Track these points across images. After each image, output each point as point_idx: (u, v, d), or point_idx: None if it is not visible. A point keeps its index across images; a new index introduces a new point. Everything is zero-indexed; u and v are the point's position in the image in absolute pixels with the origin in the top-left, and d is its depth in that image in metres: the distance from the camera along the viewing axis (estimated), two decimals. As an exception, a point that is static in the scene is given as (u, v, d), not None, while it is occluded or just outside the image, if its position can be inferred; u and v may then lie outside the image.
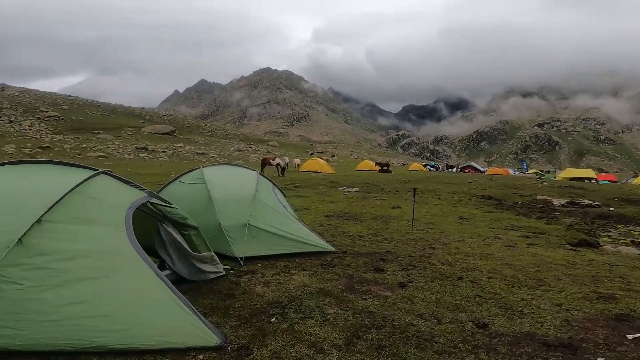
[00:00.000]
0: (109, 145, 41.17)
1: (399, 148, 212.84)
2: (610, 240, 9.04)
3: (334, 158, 64.36)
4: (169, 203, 4.62)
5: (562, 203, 15.02)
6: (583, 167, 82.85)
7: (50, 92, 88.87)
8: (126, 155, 36.39)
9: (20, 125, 48.41)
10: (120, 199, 4.04)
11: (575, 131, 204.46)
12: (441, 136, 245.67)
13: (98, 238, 3.57)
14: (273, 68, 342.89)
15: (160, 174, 20.77)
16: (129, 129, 59.83)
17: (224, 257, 5.44)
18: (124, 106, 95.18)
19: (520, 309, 4.33)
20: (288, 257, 5.90)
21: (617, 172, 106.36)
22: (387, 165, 39.71)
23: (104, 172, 4.23)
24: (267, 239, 5.94)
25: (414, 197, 10.33)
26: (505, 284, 5.15)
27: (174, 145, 48.12)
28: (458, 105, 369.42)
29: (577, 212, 12.89)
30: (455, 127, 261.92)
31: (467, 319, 4.04)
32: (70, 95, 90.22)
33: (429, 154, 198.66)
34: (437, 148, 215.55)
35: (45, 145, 34.30)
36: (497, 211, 12.97)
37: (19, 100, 62.44)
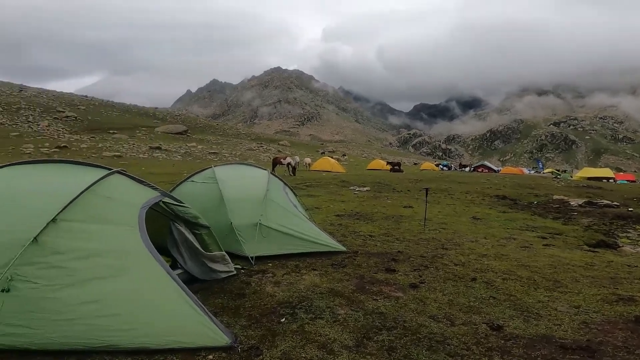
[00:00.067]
0: (124, 145, 41.89)
1: (410, 147, 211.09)
2: (629, 241, 8.79)
3: (345, 157, 64.24)
4: (181, 202, 4.64)
5: (580, 203, 14.66)
6: (601, 167, 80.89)
7: (67, 93, 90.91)
8: (140, 155, 36.97)
9: (38, 125, 49.63)
10: (133, 198, 4.07)
11: (593, 130, 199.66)
12: (453, 135, 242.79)
13: (111, 237, 3.61)
14: (283, 68, 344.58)
15: (173, 173, 21.01)
16: (143, 128, 60.80)
17: (235, 257, 5.46)
18: (138, 106, 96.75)
19: (536, 311, 4.25)
20: (299, 256, 5.89)
21: (635, 171, 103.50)
22: (399, 164, 39.40)
23: (118, 172, 4.27)
24: (277, 238, 5.93)
25: (426, 196, 10.19)
26: (521, 286, 5.05)
27: (186, 145, 48.70)
28: (471, 104, 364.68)
29: (595, 213, 12.57)
30: (467, 126, 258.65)
31: (481, 320, 3.97)
32: (86, 96, 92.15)
33: (441, 153, 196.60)
34: (449, 147, 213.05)
35: (62, 145, 35.07)
36: (512, 211, 12.74)
37: (37, 101, 64.04)
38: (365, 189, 17.46)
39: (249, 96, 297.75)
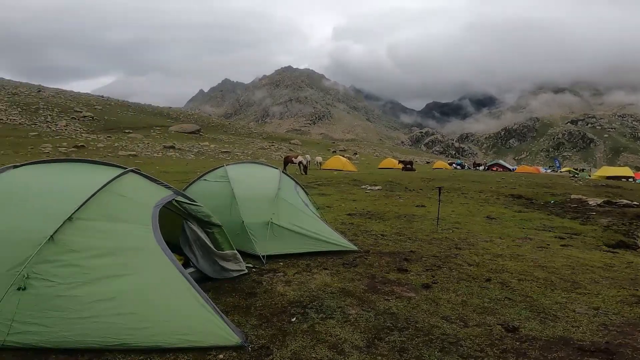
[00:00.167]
0: (139, 144, 42.58)
1: (422, 146, 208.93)
2: (651, 242, 8.49)
3: (356, 156, 63.99)
4: (194, 201, 4.68)
5: (598, 203, 14.27)
6: (620, 165, 78.71)
7: (84, 93, 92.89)
8: (155, 154, 37.53)
9: (56, 125, 50.80)
10: (147, 197, 4.11)
11: (612, 128, 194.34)
12: (467, 134, 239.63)
13: (125, 235, 3.64)
14: (294, 67, 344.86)
15: (186, 172, 21.26)
16: (157, 128, 61.70)
17: (246, 255, 5.48)
18: (153, 106, 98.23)
19: (553, 312, 4.16)
20: (310, 255, 5.88)
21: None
22: (411, 163, 39.03)
23: (132, 171, 4.32)
24: (289, 237, 5.93)
25: (439, 195, 10.06)
26: (538, 287, 4.94)
27: (199, 144, 49.23)
28: (484, 102, 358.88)
29: (614, 212, 12.22)
30: (481, 124, 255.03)
31: (496, 322, 3.90)
32: (102, 96, 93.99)
33: (454, 152, 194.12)
34: (462, 146, 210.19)
35: (80, 144, 35.84)
36: (528, 211, 12.48)
37: (55, 101, 65.55)
38: (377, 187, 17.35)
39: (260, 95, 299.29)
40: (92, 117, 60.41)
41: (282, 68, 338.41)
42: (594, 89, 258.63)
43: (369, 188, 17.16)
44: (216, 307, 3.42)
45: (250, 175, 6.94)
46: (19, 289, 3.07)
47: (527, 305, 4.33)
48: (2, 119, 47.40)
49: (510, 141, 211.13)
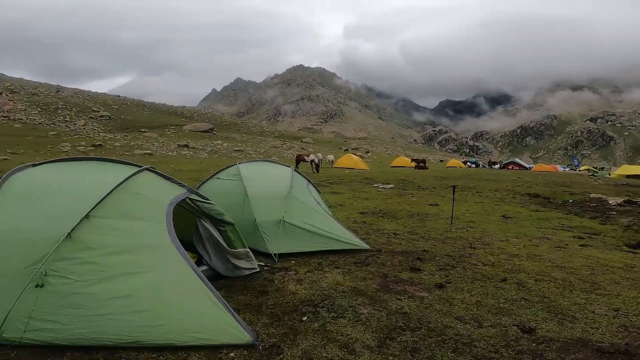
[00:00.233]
0: (154, 143, 43.28)
1: (435, 144, 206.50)
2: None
3: (369, 154, 63.71)
4: (207, 199, 4.70)
5: (619, 202, 13.85)
6: (641, 164, 76.22)
7: (101, 93, 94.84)
8: (169, 153, 38.09)
9: (75, 124, 52.03)
10: (161, 195, 4.14)
11: (632, 126, 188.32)
12: (481, 132, 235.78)
13: (140, 233, 3.68)
14: (306, 65, 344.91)
15: (199, 170, 21.50)
16: (172, 127, 62.59)
17: (258, 253, 5.50)
18: (167, 105, 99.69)
19: (572, 313, 4.07)
20: (321, 254, 5.86)
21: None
22: (424, 161, 38.66)
23: (147, 169, 4.37)
24: (301, 235, 5.93)
25: (453, 194, 9.91)
26: (556, 287, 4.83)
27: (212, 143, 49.74)
28: (499, 100, 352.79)
29: (635, 212, 11.85)
30: (496, 122, 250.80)
31: (511, 322, 3.82)
32: (119, 96, 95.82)
33: (468, 150, 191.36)
34: (476, 144, 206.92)
35: (97, 143, 36.62)
36: (546, 210, 12.20)
37: (74, 101, 67.10)
38: (389, 186, 17.23)
39: (272, 94, 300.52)
40: (109, 117, 61.65)
41: (293, 67, 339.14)
42: (613, 86, 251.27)
43: (381, 186, 17.05)
44: (228, 305, 3.43)
45: (262, 173, 6.96)
46: (36, 286, 3.11)
47: (545, 306, 4.23)
48: (22, 119, 48.79)
49: (527, 139, 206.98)
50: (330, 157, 36.41)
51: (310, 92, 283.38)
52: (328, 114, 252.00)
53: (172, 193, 4.26)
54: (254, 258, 5.06)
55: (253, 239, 5.62)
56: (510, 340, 3.48)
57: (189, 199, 4.46)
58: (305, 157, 26.52)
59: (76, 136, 42.53)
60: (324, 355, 3.16)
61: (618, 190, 18.55)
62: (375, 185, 17.54)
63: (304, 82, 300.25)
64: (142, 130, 54.92)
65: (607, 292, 4.69)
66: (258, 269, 5.05)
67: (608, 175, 37.39)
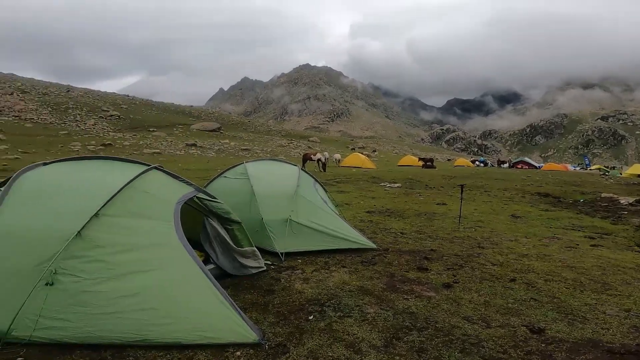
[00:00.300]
0: (162, 142, 43.65)
1: (443, 143, 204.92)
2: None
3: (375, 153, 63.49)
4: (214, 198, 4.71)
5: (630, 201, 13.60)
6: (654, 163, 74.82)
7: (111, 93, 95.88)
8: (177, 152, 38.38)
9: (85, 124, 52.69)
10: (169, 194, 4.16)
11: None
12: (489, 130, 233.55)
13: (149, 232, 3.69)
14: (312, 64, 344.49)
15: (207, 169, 21.63)
16: (180, 126, 63.07)
17: (264, 252, 5.51)
18: (175, 105, 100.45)
19: (582, 314, 4.02)
20: (328, 253, 5.85)
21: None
22: (431, 160, 38.40)
23: (156, 168, 4.39)
24: (307, 234, 5.92)
25: (462, 193, 9.82)
26: (566, 288, 4.77)
27: (220, 142, 50.02)
28: (508, 99, 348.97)
29: (648, 212, 11.60)
30: (505, 121, 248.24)
31: (520, 323, 3.78)
32: (128, 95, 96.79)
33: (476, 149, 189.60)
34: (485, 143, 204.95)
35: (107, 142, 37.05)
36: (556, 209, 12.03)
37: (83, 101, 67.95)
38: (396, 185, 17.15)
39: (278, 93, 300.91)
40: (119, 116, 62.32)
41: (300, 66, 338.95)
42: (624, 85, 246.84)
43: (388, 185, 16.98)
44: (235, 304, 3.43)
45: (269, 172, 6.96)
46: (47, 284, 3.13)
47: (554, 307, 4.18)
48: (33, 119, 49.54)
49: (536, 138, 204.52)
50: (337, 156, 36.35)
51: (317, 91, 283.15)
52: (335, 113, 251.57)
53: (180, 192, 4.28)
54: (260, 257, 5.07)
55: (260, 238, 5.63)
56: (519, 340, 3.44)
57: (197, 197, 4.48)
58: (312, 155, 26.51)
59: (86, 135, 43.06)
60: (330, 354, 3.15)
61: (630, 189, 18.24)
62: (382, 184, 17.48)
63: (310, 81, 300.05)
64: (151, 129, 55.42)
65: (619, 293, 4.62)
66: (265, 268, 5.06)
67: (619, 175, 36.80)
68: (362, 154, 41.93)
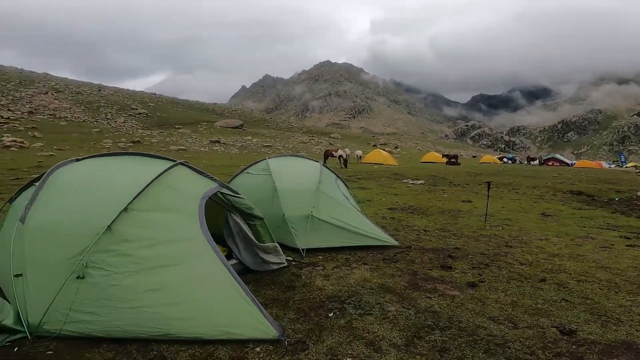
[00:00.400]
0: (188, 139, 44.70)
1: (468, 140, 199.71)
2: None
3: (397, 150, 62.66)
4: (237, 193, 4.75)
5: (671, 200, 12.82)
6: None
7: (139, 91, 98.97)
8: (202, 148, 39.20)
9: (115, 122, 54.63)
10: (194, 189, 4.21)
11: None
12: (517, 126, 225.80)
13: (174, 226, 3.74)
14: (333, 61, 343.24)
15: (230, 165, 21.98)
16: (204, 123, 64.42)
17: (285, 248, 5.53)
18: (199, 102, 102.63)
19: (616, 315, 3.85)
20: (349, 250, 5.81)
21: None
22: (456, 157, 37.49)
23: (182, 163, 4.46)
24: (329, 231, 5.90)
25: (488, 190, 9.52)
26: (600, 289, 4.57)
27: (242, 138, 50.74)
28: (537, 94, 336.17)
29: (691, 212, 10.90)
30: (534, 117, 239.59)
31: (550, 324, 3.64)
32: (155, 94, 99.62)
33: (503, 146, 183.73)
34: (513, 139, 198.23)
35: (136, 139, 38.29)
36: (589, 208, 11.49)
37: (114, 99, 70.42)
38: (419, 182, 16.86)
39: (299, 90, 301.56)
40: (146, 114, 64.25)
41: (320, 63, 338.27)
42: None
43: (410, 182, 16.72)
44: (256, 300, 3.42)
45: (291, 168, 6.97)
46: (78, 277, 3.21)
47: (587, 308, 4.01)
48: (67, 117, 51.75)
49: (569, 134, 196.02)
50: (358, 152, 36.13)
51: (338, 87, 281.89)
52: (356, 110, 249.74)
53: (205, 187, 4.33)
54: (282, 253, 5.09)
55: (281, 234, 5.65)
56: (548, 342, 3.32)
57: (220, 192, 4.53)
58: (333, 152, 26.47)
59: (117, 133, 44.63)
60: (350, 352, 3.12)
61: (671, 187, 17.19)
62: (405, 180, 17.23)
63: (331, 77, 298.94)
64: (177, 126, 56.87)
65: (657, 295, 4.37)
66: (286, 264, 5.08)
67: (659, 172, 34.73)
68: (384, 150, 41.51)
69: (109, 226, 3.38)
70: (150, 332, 3.12)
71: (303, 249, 5.56)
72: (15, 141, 27.77)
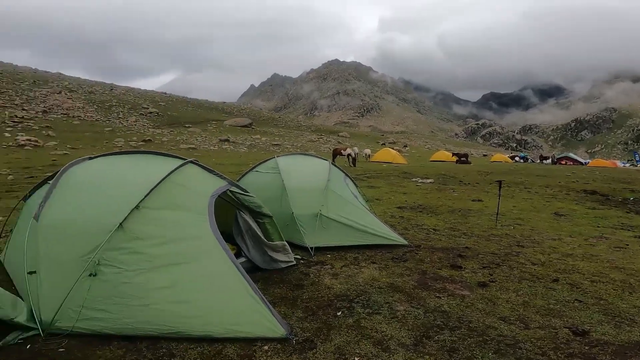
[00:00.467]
0: (197, 138, 45.06)
1: (478, 138, 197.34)
2: None
3: (407, 148, 62.25)
4: (247, 191, 4.76)
5: (690, 200, 12.48)
6: None
7: (150, 90, 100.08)
8: (211, 147, 39.47)
9: (127, 121, 55.34)
10: (204, 187, 4.24)
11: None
12: (529, 125, 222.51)
13: (184, 224, 3.76)
14: (341, 60, 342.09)
15: (239, 163, 22.08)
16: (214, 122, 64.87)
17: (294, 246, 5.53)
18: (209, 101, 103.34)
19: (630, 316, 3.78)
20: (358, 248, 5.79)
21: None
22: (466, 155, 37.08)
23: (192, 162, 4.49)
24: (337, 229, 5.89)
25: (499, 189, 9.40)
26: (614, 289, 4.48)
27: (251, 137, 50.95)
28: (550, 92, 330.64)
29: None
30: (546, 115, 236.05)
31: (562, 325, 3.59)
32: (165, 93, 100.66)
33: (514, 145, 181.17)
34: (524, 138, 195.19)
35: (147, 138, 38.71)
36: (604, 208, 11.27)
37: (125, 99, 71.33)
38: (428, 180, 16.72)
39: (308, 89, 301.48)
40: (157, 113, 64.95)
41: (328, 61, 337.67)
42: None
43: (420, 181, 16.59)
44: (264, 298, 3.43)
45: (300, 166, 6.96)
46: (90, 274, 3.24)
47: (601, 309, 3.94)
48: (80, 116, 52.58)
49: (582, 133, 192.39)
50: (367, 151, 35.99)
51: (346, 86, 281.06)
52: (364, 108, 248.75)
53: (214, 185, 4.35)
54: (290, 251, 5.10)
55: (290, 232, 5.66)
56: (560, 342, 3.27)
57: (230, 191, 4.54)
58: (342, 150, 26.41)
59: (128, 132, 45.16)
60: (358, 351, 3.11)
61: (689, 187, 16.75)
62: (414, 179, 17.11)
63: (339, 76, 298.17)
64: (187, 125, 57.36)
65: (673, 297, 4.26)
66: (294, 262, 5.08)
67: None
68: (392, 149, 41.27)
69: (120, 224, 3.41)
70: (160, 330, 3.14)
71: (312, 248, 5.56)
72: (29, 140, 28.30)
